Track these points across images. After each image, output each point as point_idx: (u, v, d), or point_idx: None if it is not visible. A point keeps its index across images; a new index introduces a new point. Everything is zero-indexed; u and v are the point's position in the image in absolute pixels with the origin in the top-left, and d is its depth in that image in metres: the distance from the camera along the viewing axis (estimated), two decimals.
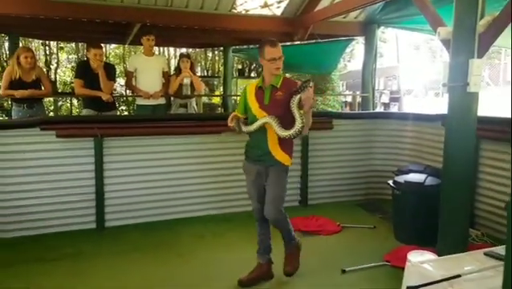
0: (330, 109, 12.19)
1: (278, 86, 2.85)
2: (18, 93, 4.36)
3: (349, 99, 13.11)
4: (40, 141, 3.75)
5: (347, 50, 10.33)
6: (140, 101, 5.27)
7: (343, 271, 3.08)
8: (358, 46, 12.17)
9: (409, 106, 12.83)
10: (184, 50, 11.34)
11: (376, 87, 7.46)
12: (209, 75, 13.96)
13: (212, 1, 5.82)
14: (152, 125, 4.15)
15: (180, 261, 3.32)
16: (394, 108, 12.54)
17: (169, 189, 4.14)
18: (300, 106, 2.71)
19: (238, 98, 2.94)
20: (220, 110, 10.22)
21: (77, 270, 3.14)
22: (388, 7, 6.06)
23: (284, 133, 2.71)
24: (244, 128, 2.94)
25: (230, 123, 2.88)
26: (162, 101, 5.12)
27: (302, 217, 4.09)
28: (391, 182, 3.83)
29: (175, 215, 4.18)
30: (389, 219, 4.10)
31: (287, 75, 13.62)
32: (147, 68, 4.97)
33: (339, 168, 4.78)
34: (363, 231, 3.93)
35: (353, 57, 14.33)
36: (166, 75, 5.17)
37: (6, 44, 9.62)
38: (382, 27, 7.22)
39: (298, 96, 2.69)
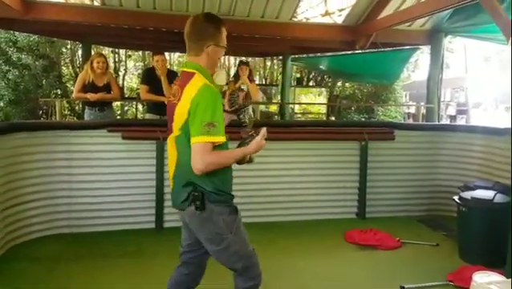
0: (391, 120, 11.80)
1: None
2: (90, 96, 4.67)
3: (412, 110, 12.63)
4: (107, 142, 3.96)
5: (412, 59, 9.99)
6: None
7: (402, 288, 2.94)
8: (422, 55, 11.73)
9: (478, 120, 12.08)
10: (243, 58, 11.54)
11: (442, 99, 7.14)
12: (267, 83, 14.09)
13: (273, 9, 5.88)
14: None
15: None
16: (461, 121, 11.90)
17: None
18: None
19: (209, 105, 1.84)
20: (276, 118, 10.27)
21: (139, 267, 3.27)
22: (457, 15, 5.80)
23: None
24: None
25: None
26: None
27: (359, 230, 3.97)
28: (456, 198, 3.61)
29: None
30: (453, 237, 3.87)
31: (347, 84, 13.45)
32: None
33: (400, 182, 4.60)
34: (425, 248, 3.73)
35: (417, 67, 13.79)
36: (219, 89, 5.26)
37: (80, 52, 10.33)
38: (449, 36, 6.92)
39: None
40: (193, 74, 1.92)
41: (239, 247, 2.02)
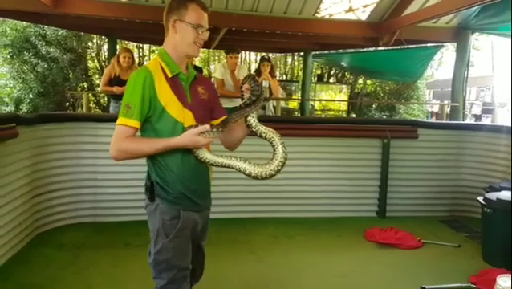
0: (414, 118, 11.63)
1: (198, 77, 1.85)
2: (116, 88, 4.78)
3: (436, 108, 12.42)
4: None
5: (435, 57, 9.81)
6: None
7: None
8: (447, 53, 11.50)
9: (504, 119, 11.77)
10: (264, 54, 11.55)
11: (467, 98, 7.02)
12: (288, 79, 14.06)
13: (296, 5, 5.87)
14: None
15: (254, 259, 3.37)
16: (486, 121, 11.63)
17: (243, 188, 4.21)
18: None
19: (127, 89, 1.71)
20: (296, 114, 10.26)
21: None
22: (485, 12, 5.69)
23: (264, 171, 1.69)
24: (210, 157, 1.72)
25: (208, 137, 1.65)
26: (239, 103, 5.28)
27: (379, 229, 3.94)
28: (481, 199, 3.54)
29: (248, 214, 4.25)
30: (476, 239, 3.81)
31: (368, 81, 13.30)
32: (230, 82, 5.18)
33: (422, 181, 4.53)
34: (446, 249, 3.68)
35: (441, 65, 13.52)
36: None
37: (105, 46, 10.54)
38: (476, 33, 6.78)
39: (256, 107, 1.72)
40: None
41: (171, 256, 1.75)
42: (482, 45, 13.47)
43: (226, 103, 5.32)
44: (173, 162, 1.73)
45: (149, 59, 13.81)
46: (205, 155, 1.70)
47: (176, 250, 1.76)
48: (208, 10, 1.78)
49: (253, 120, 1.73)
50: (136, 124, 1.66)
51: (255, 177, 1.70)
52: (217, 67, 6.25)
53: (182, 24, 1.72)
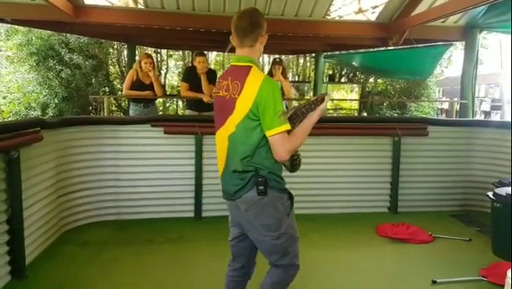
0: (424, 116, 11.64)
1: None
2: (143, 93, 4.98)
3: (445, 106, 12.43)
4: (150, 136, 4.19)
5: (445, 55, 9.84)
6: None
7: (434, 282, 2.98)
8: (456, 51, 11.51)
9: None
10: (276, 56, 11.68)
11: (476, 95, 7.05)
12: (300, 80, 14.16)
13: (306, 8, 5.98)
14: None
15: None
16: (496, 117, 11.58)
17: None
18: None
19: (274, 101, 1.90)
20: None
21: (180, 252, 3.46)
22: (492, 11, 5.75)
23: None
24: None
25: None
26: None
27: (391, 224, 4.03)
28: (490, 194, 3.62)
29: None
30: (486, 233, 3.88)
31: (379, 80, 13.31)
32: None
33: (433, 177, 4.60)
34: (457, 243, 3.75)
35: (451, 63, 13.51)
36: None
37: (125, 52, 10.81)
38: (484, 32, 6.83)
39: None
40: (248, 67, 1.94)
41: (294, 231, 2.12)
42: (491, 43, 13.45)
43: None
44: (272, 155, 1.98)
45: (167, 62, 14.08)
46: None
47: (294, 224, 2.14)
48: None
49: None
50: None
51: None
52: None
53: (265, 37, 2.02)
